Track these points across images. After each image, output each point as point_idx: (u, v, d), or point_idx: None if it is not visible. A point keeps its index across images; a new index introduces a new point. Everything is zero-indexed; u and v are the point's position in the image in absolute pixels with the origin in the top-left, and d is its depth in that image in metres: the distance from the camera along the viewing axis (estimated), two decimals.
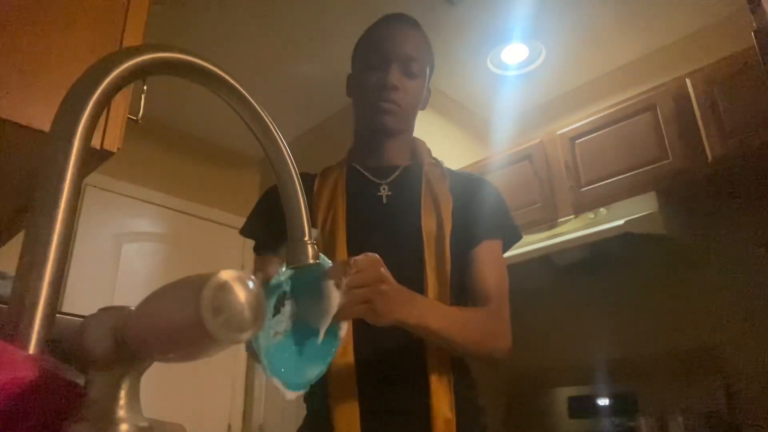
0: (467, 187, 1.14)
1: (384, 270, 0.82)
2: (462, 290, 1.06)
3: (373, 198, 1.11)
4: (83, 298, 2.54)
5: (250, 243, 1.14)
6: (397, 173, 1.14)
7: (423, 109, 1.21)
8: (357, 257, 0.80)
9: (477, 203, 1.12)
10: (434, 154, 1.23)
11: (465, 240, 1.07)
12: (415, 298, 0.89)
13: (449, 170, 1.18)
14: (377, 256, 0.82)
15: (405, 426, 0.95)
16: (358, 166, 1.16)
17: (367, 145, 1.17)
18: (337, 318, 0.75)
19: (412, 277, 0.96)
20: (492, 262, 1.08)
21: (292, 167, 0.56)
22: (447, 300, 1.01)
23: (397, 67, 1.10)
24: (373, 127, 1.13)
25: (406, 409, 0.96)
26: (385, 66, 1.10)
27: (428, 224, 1.06)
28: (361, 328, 0.87)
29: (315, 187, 1.14)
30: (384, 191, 1.12)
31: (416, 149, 1.21)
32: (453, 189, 1.12)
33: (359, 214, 1.08)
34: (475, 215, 1.10)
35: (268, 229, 1.06)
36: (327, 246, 1.05)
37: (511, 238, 1.16)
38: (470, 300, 1.06)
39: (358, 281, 0.77)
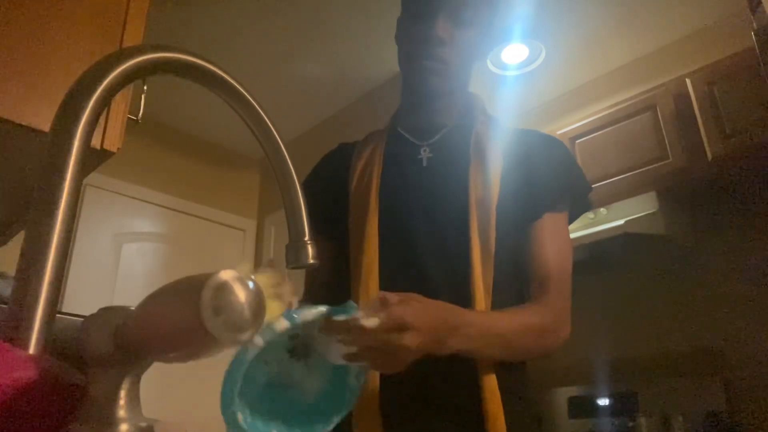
0: (525, 147, 0.98)
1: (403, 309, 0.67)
2: (506, 269, 0.91)
3: (412, 161, 0.99)
4: (83, 298, 2.53)
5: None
6: (441, 134, 1.01)
7: (483, 59, 1.01)
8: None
9: (536, 166, 0.95)
10: None
11: (518, 210, 0.92)
12: (445, 321, 0.75)
13: (508, 129, 1.02)
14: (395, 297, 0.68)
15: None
16: (400, 128, 1.04)
17: (410, 104, 1.04)
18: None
19: (452, 251, 0.89)
20: (552, 240, 0.92)
21: (291, 167, 0.56)
22: (489, 278, 0.87)
23: (444, 17, 0.93)
24: (415, 87, 1.00)
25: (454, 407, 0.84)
26: (430, 15, 0.93)
27: (476, 190, 0.92)
28: None
29: (354, 154, 1.04)
30: (425, 153, 0.99)
31: (469, 106, 1.04)
32: (507, 149, 0.96)
33: (395, 179, 0.97)
34: (532, 181, 0.94)
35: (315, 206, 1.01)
36: (357, 216, 0.95)
37: (578, 207, 1.00)
38: (525, 284, 0.93)
39: (367, 343, 0.63)
